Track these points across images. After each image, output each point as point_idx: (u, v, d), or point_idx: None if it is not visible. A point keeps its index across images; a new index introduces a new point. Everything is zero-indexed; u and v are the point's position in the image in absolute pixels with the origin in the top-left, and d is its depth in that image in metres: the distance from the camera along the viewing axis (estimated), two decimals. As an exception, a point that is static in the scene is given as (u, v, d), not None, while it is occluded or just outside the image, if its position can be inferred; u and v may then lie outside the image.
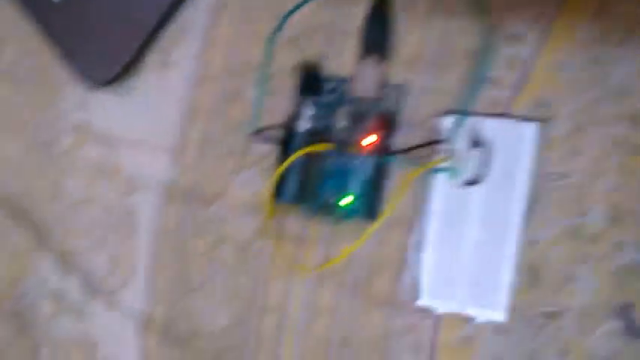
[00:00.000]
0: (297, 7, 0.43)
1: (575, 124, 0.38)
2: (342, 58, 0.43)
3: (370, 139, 0.42)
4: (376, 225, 0.40)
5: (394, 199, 0.39)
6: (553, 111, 0.38)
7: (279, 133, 0.44)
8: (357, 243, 0.40)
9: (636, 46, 0.37)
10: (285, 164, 0.42)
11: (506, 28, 0.39)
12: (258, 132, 0.44)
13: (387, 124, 0.42)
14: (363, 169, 0.42)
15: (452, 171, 0.39)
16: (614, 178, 0.37)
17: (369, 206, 0.41)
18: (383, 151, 0.41)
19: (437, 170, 0.39)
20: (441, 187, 0.39)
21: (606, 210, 0.37)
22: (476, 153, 0.39)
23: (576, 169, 0.38)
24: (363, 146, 0.42)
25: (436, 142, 0.39)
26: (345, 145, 0.42)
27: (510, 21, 0.39)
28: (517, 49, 0.39)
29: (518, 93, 0.39)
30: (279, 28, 0.44)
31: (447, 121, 0.40)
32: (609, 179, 0.37)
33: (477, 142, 0.38)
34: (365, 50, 0.42)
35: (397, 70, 0.42)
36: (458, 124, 0.39)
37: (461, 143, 0.39)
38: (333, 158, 0.43)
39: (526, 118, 0.39)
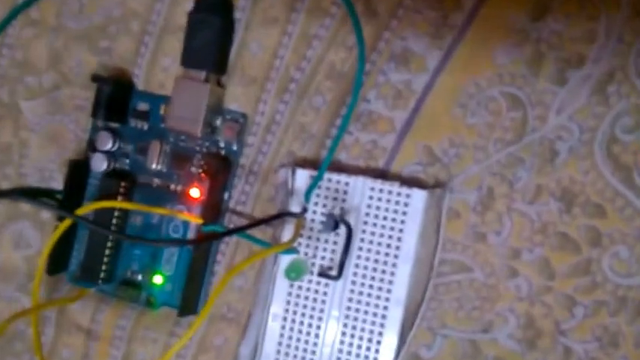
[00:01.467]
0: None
1: (485, 188, 0.27)
2: (163, 69, 0.30)
3: (193, 194, 0.29)
4: (197, 323, 0.28)
5: (218, 289, 0.26)
6: (456, 167, 0.27)
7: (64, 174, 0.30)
8: (171, 350, 0.28)
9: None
10: (64, 225, 0.28)
11: (394, 47, 0.27)
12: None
13: (219, 171, 0.29)
14: (181, 241, 0.29)
15: (298, 265, 0.26)
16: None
17: (186, 295, 0.28)
18: (209, 214, 0.28)
19: (284, 253, 0.27)
20: (285, 282, 0.26)
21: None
22: (334, 234, 0.27)
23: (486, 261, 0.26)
24: (190, 200, 0.29)
25: (284, 215, 0.27)
26: (160, 198, 0.29)
27: (402, 39, 0.27)
28: (407, 76, 0.27)
29: (404, 139, 0.27)
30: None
31: (301, 177, 0.27)
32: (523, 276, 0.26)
33: (338, 219, 0.26)
34: (188, 60, 0.28)
35: (237, 94, 0.29)
36: (315, 184, 0.26)
37: (317, 216, 0.27)
38: (139, 218, 0.30)
39: (414, 181, 0.27)
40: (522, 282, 0.27)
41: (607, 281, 0.26)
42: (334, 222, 0.25)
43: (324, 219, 0.27)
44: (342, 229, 0.26)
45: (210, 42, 0.28)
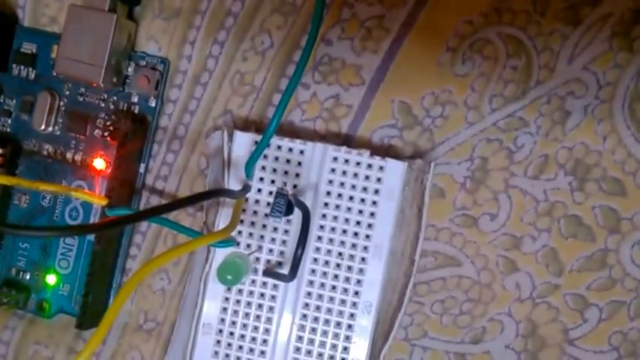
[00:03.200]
0: None
1: (478, 159, 0.21)
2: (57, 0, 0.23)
3: (97, 165, 0.23)
4: (97, 336, 0.21)
5: (126, 290, 0.20)
6: (441, 131, 0.22)
7: None
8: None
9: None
10: None
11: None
12: None
13: (131, 135, 0.23)
14: (79, 227, 0.23)
15: (236, 262, 0.20)
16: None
17: (88, 301, 0.22)
18: (118, 192, 0.22)
19: (218, 246, 0.21)
20: (219, 284, 0.20)
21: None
22: (285, 220, 0.21)
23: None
24: (93, 173, 0.23)
25: (217, 193, 0.21)
26: (52, 171, 0.23)
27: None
28: (379, 9, 0.21)
29: (375, 94, 0.22)
30: None
31: (240, 142, 0.21)
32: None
33: (291, 200, 0.20)
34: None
35: (154, 31, 0.23)
36: (258, 153, 0.20)
37: (263, 196, 0.21)
38: (25, 198, 0.23)
39: (388, 150, 0.21)
40: (523, 279, 0.22)
41: (626, 276, 0.21)
42: (286, 204, 0.20)
43: (271, 199, 0.21)
44: (297, 214, 0.21)
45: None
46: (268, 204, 0.21)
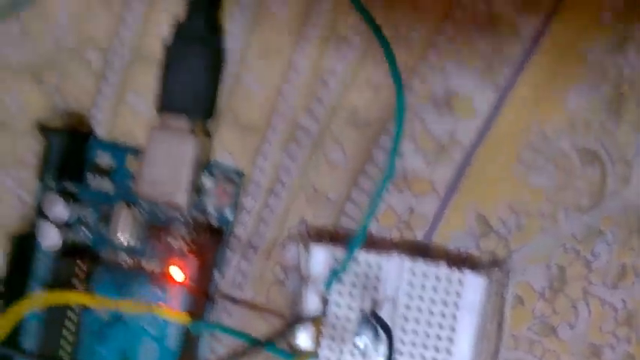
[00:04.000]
0: None
1: (555, 267, 0.22)
2: (132, 112, 0.24)
3: (174, 275, 0.23)
4: None
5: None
6: (517, 240, 0.22)
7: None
8: None
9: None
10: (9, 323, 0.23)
11: (433, 85, 0.22)
12: None
13: (208, 245, 0.23)
14: (160, 338, 0.24)
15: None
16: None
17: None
18: (196, 303, 0.23)
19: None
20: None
21: None
22: (367, 342, 0.21)
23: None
24: (170, 282, 0.24)
25: (301, 321, 0.21)
26: (130, 280, 0.24)
27: (443, 75, 0.22)
28: (451, 123, 0.22)
29: (449, 204, 0.22)
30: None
31: (317, 256, 0.22)
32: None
33: (375, 322, 0.21)
34: (165, 104, 0.23)
35: (229, 144, 0.24)
36: (342, 269, 0.21)
37: (341, 309, 0.22)
38: (105, 310, 0.24)
39: (464, 258, 0.22)
40: (605, 388, 0.22)
41: None
42: (373, 326, 0.20)
43: (354, 316, 0.22)
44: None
45: (194, 79, 0.23)
46: (347, 319, 0.22)
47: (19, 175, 0.25)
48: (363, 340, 0.20)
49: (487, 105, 0.22)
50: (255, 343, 0.22)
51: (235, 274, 0.24)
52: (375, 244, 0.23)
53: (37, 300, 0.23)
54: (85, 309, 0.24)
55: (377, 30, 0.21)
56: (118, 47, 0.24)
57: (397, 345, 0.22)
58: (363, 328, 0.21)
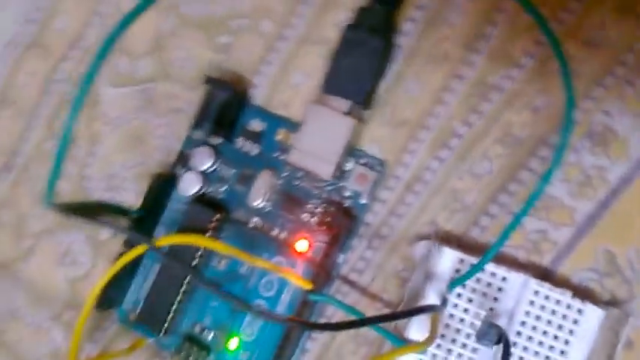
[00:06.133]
0: None
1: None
2: (293, 86, 0.27)
3: (300, 247, 0.26)
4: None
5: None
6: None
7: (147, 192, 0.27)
8: None
9: None
10: (133, 254, 0.25)
11: (593, 121, 0.24)
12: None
13: (339, 226, 0.26)
14: (273, 301, 0.26)
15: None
16: None
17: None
18: (318, 277, 0.25)
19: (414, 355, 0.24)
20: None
21: None
22: (491, 353, 0.23)
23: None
24: (294, 254, 0.26)
25: (427, 309, 0.23)
26: (254, 243, 0.26)
27: (605, 113, 0.24)
28: (603, 161, 0.24)
29: (583, 237, 0.24)
30: None
31: (447, 258, 0.24)
32: None
33: (492, 333, 0.23)
34: (332, 85, 0.26)
35: (379, 135, 0.26)
36: (471, 274, 0.23)
37: (457, 311, 0.24)
38: (224, 262, 0.27)
39: (585, 292, 0.24)
40: None
41: None
42: (497, 336, 0.22)
43: (469, 320, 0.24)
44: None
45: (363, 67, 0.25)
46: (461, 320, 0.24)
47: (171, 122, 0.28)
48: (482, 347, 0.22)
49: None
50: (368, 323, 0.23)
51: (358, 259, 0.26)
52: (499, 259, 0.25)
53: (165, 238, 0.26)
54: (205, 262, 0.27)
55: (559, 52, 0.23)
56: (293, 22, 0.27)
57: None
58: (483, 333, 0.23)
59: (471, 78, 0.25)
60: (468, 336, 0.24)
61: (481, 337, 0.23)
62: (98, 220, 0.26)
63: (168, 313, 0.26)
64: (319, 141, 0.25)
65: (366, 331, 0.26)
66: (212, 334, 0.27)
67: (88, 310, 0.25)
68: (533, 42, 0.25)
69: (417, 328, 0.24)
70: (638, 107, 0.24)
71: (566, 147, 0.23)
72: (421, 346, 0.23)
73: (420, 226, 0.26)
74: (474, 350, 0.24)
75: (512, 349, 0.24)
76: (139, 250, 0.26)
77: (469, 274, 0.24)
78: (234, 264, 0.27)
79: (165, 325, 0.26)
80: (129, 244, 0.26)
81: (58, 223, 0.29)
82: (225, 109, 0.27)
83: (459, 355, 0.24)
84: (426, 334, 0.23)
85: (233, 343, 0.26)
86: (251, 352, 0.26)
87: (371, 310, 0.26)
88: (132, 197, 0.28)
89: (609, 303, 0.24)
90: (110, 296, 0.27)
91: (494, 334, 0.22)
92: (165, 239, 0.26)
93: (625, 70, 0.24)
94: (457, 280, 0.24)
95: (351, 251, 0.26)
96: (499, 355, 0.23)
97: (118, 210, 0.27)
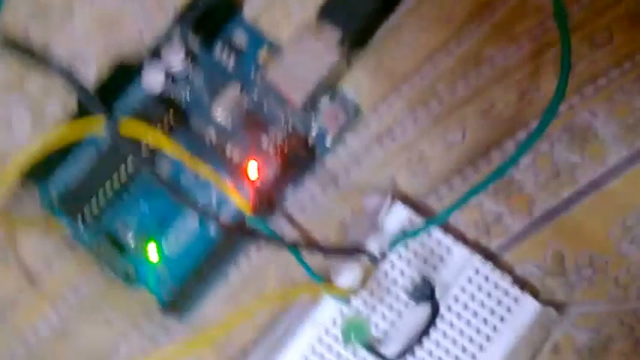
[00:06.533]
0: None
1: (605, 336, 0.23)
2: (285, 6, 0.26)
3: (252, 168, 0.25)
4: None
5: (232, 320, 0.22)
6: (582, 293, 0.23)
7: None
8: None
9: None
10: (76, 129, 0.24)
11: (577, 117, 0.24)
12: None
13: (296, 159, 0.25)
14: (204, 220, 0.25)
15: (360, 324, 0.22)
16: None
17: (185, 289, 0.24)
18: (261, 204, 0.24)
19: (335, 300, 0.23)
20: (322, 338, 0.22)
21: None
22: (418, 309, 0.23)
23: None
24: (242, 176, 0.25)
25: (363, 252, 0.23)
26: (204, 157, 0.25)
27: (591, 113, 0.24)
28: (577, 159, 0.24)
29: (537, 230, 0.24)
30: None
31: (396, 214, 0.23)
32: None
33: (425, 290, 0.22)
34: (328, 12, 0.25)
35: (361, 80, 0.25)
36: (416, 233, 0.23)
37: (393, 271, 0.23)
38: (166, 168, 0.25)
39: (525, 285, 0.23)
40: None
41: None
42: (428, 294, 0.21)
43: (400, 276, 0.23)
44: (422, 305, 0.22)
45: (366, 5, 0.25)
46: (394, 281, 0.23)
47: (150, 11, 0.27)
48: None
49: (616, 159, 0.24)
50: (295, 252, 0.22)
51: (307, 199, 0.25)
52: (448, 229, 0.24)
53: (133, 125, 0.24)
54: (147, 161, 0.25)
55: (566, 39, 0.23)
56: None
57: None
58: (416, 292, 0.22)
59: (468, 45, 0.25)
60: (397, 297, 0.23)
61: (411, 292, 0.22)
62: (50, 65, 0.24)
63: (94, 202, 0.25)
64: (299, 67, 0.24)
65: (294, 273, 0.24)
66: (133, 239, 0.25)
67: (11, 173, 0.24)
68: (539, 25, 0.25)
69: (346, 277, 0.23)
70: (626, 115, 0.24)
71: (542, 133, 0.23)
72: (343, 292, 0.22)
73: (378, 180, 0.25)
74: (399, 314, 0.23)
75: (439, 323, 0.23)
76: (90, 122, 0.24)
77: (414, 233, 0.23)
78: (177, 172, 0.26)
79: (88, 214, 0.25)
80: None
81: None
82: (213, 11, 0.26)
83: (383, 315, 0.23)
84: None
85: (153, 253, 0.25)
86: (169, 267, 0.25)
87: (305, 253, 0.25)
88: (89, 76, 0.26)
89: (546, 303, 0.23)
90: (37, 168, 0.25)
91: (426, 291, 0.22)
92: (125, 124, 0.24)
93: (621, 76, 0.24)
94: (400, 236, 0.23)
95: (302, 189, 0.25)
96: (424, 320, 0.22)
97: (72, 79, 0.25)
